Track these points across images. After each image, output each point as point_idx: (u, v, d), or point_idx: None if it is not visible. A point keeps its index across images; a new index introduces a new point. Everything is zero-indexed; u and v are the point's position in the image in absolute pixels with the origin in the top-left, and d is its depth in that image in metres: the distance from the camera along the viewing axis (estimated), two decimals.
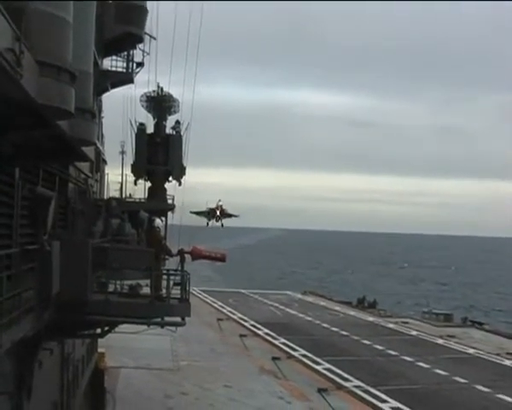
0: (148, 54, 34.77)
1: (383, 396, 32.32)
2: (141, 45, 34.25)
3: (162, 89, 37.37)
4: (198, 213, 46.66)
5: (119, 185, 35.79)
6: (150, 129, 37.36)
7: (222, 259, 23.48)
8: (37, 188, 15.60)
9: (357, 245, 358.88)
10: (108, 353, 33.14)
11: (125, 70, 34.54)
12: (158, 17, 34.33)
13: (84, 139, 19.26)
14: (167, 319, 18.58)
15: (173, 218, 36.29)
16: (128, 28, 31.78)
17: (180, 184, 36.68)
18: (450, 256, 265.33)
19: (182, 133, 37.09)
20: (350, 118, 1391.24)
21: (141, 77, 35.81)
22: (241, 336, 47.28)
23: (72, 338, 21.99)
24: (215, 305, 64.43)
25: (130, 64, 34.68)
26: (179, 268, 19.50)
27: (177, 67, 37.61)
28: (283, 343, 45.28)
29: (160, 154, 36.60)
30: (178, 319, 18.77)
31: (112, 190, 34.48)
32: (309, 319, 58.49)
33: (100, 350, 32.15)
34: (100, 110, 32.47)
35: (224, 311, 60.66)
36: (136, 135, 36.56)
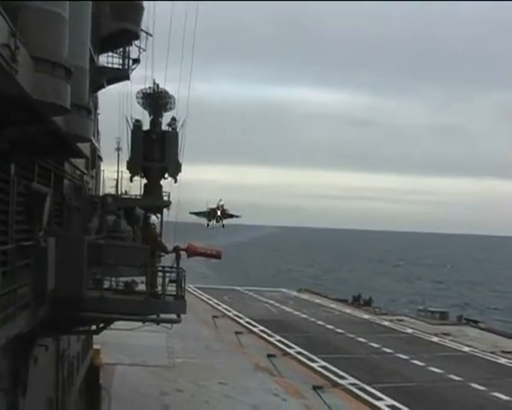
0: (145, 50, 34.72)
1: (378, 394, 32.38)
2: (137, 42, 34.20)
3: (158, 85, 37.34)
4: (198, 214, 46.46)
5: (115, 182, 35.77)
6: (146, 126, 37.35)
7: (217, 256, 23.38)
8: (33, 184, 15.54)
9: (353, 243, 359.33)
10: (104, 349, 33.12)
11: (120, 66, 34.47)
12: (154, 14, 34.33)
13: (80, 135, 19.18)
14: (163, 316, 18.55)
15: (169, 215, 36.31)
16: (124, 25, 31.72)
17: (176, 181, 36.69)
18: (447, 254, 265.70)
19: (178, 130, 37.08)
20: (349, 116, 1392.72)
21: (137, 73, 35.78)
22: (237, 333, 47.31)
23: (68, 335, 21.95)
24: (210, 302, 64.41)
25: (126, 61, 34.61)
26: (175, 265, 19.47)
27: (173, 63, 37.59)
28: (278, 341, 45.31)
29: (155, 150, 36.58)
30: (174, 316, 18.75)
31: (107, 187, 34.42)
32: (304, 316, 58.53)
33: (95, 347, 32.13)
34: (96, 107, 32.38)
35: (220, 308, 60.68)
36: (132, 132, 36.54)
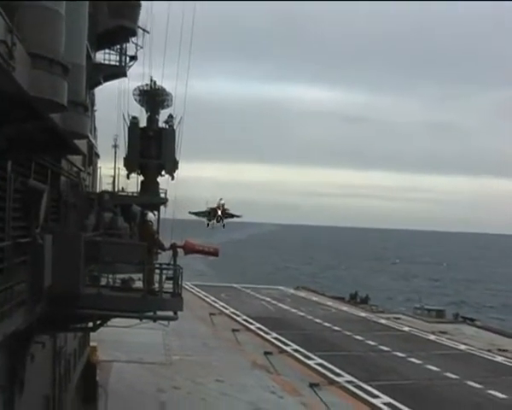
0: (142, 47, 34.72)
1: (375, 392, 32.38)
2: (134, 39, 34.18)
3: (155, 82, 37.36)
4: (197, 214, 46.11)
5: (112, 179, 35.72)
6: (143, 123, 37.35)
7: (214, 253, 23.41)
8: (30, 181, 15.53)
9: (350, 241, 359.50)
10: (100, 347, 33.11)
11: (118, 63, 34.43)
12: (151, 11, 34.31)
13: (77, 132, 19.17)
14: (160, 313, 18.56)
15: (166, 212, 36.30)
16: (121, 21, 31.72)
17: (173, 178, 36.70)
18: (443, 252, 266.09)
19: (175, 127, 37.10)
20: (345, 114, 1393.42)
21: (134, 70, 35.75)
22: (234, 330, 47.28)
23: (65, 332, 21.94)
24: (207, 299, 64.37)
25: (124, 57, 34.58)
26: (172, 262, 19.47)
27: (171, 60, 37.61)
28: (275, 338, 45.30)
29: (152, 148, 36.60)
30: (171, 314, 18.75)
31: (104, 184, 34.40)
32: (301, 314, 58.52)
33: (92, 344, 32.10)
34: (93, 103, 32.37)
35: (217, 305, 60.64)
36: (129, 129, 36.54)
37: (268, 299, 67.85)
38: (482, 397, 32.77)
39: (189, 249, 21.73)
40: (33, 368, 16.26)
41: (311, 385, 32.89)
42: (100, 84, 33.18)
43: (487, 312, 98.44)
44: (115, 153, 36.82)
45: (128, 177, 36.42)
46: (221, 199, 45.16)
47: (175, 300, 18.68)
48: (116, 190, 34.62)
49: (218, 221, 45.05)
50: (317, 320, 54.69)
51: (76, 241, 16.38)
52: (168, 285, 18.82)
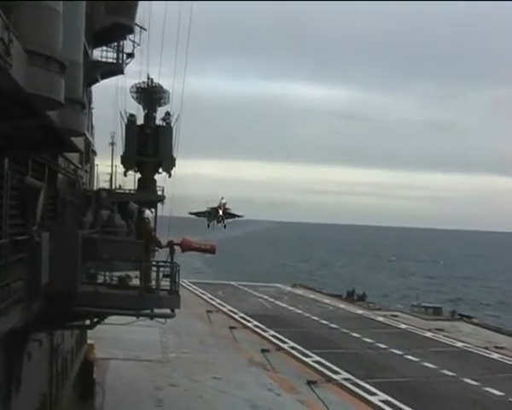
0: (139, 45, 34.69)
1: (372, 389, 32.43)
2: (131, 36, 34.12)
3: (152, 80, 37.34)
4: (198, 214, 45.80)
5: (109, 176, 35.73)
6: (140, 120, 37.32)
7: (212, 251, 23.36)
8: (27, 178, 15.49)
9: (346, 238, 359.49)
10: (98, 344, 33.06)
11: (115, 61, 34.37)
12: (149, 9, 34.25)
13: (74, 130, 19.14)
14: (157, 310, 18.56)
15: (163, 209, 36.29)
16: (118, 19, 31.62)
17: (170, 176, 36.71)
18: (440, 250, 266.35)
19: (172, 125, 37.07)
20: (343, 112, 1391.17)
21: (131, 68, 35.72)
22: (231, 328, 47.31)
23: (62, 329, 21.94)
24: (204, 297, 64.41)
25: (121, 55, 34.52)
26: (169, 260, 19.45)
27: (168, 58, 37.60)
28: (273, 336, 45.35)
29: (149, 145, 36.60)
30: (168, 311, 18.74)
31: (101, 181, 34.41)
32: (298, 311, 58.60)
33: (89, 342, 32.11)
34: (90, 101, 32.30)
35: (214, 303, 60.69)
36: (126, 126, 36.54)
37: (265, 296, 67.91)
38: (479, 394, 32.83)
39: (186, 247, 21.70)
40: (30, 366, 16.24)
41: (309, 383, 32.92)
42: (97, 81, 33.13)
43: (484, 309, 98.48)
44: (112, 150, 36.87)
45: (125, 174, 36.43)
46: (222, 198, 44.70)
47: (172, 297, 18.67)
48: (113, 187, 34.61)
49: (219, 222, 44.44)
50: (315, 318, 54.76)
51: (73, 238, 16.36)
52: (165, 283, 18.81)
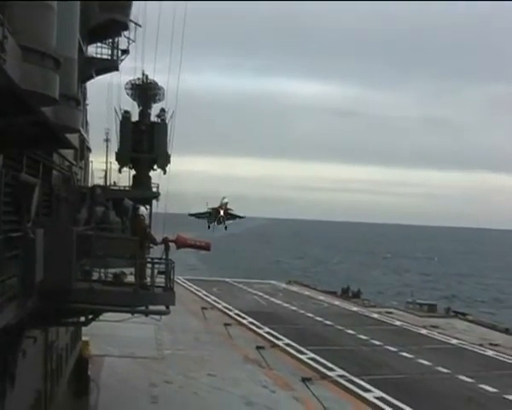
0: (134, 41, 34.61)
1: (367, 386, 32.46)
2: (126, 33, 34.05)
3: (147, 76, 37.30)
4: (198, 215, 45.49)
5: (104, 173, 35.66)
6: (135, 117, 37.28)
7: (206, 248, 23.36)
8: (21, 175, 15.45)
9: (341, 235, 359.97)
10: (92, 341, 33.04)
11: (109, 57, 34.30)
12: (144, 5, 34.21)
13: (69, 126, 19.09)
14: (151, 307, 18.56)
15: (158, 206, 36.27)
16: (113, 15, 31.55)
17: (165, 173, 36.69)
18: (435, 247, 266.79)
19: (167, 121, 37.05)
20: (338, 108, 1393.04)
21: (126, 64, 35.64)
22: (226, 324, 47.33)
23: (56, 326, 21.91)
24: (199, 294, 64.37)
25: (115, 51, 34.44)
26: (164, 257, 19.45)
27: (163, 55, 37.54)
28: (268, 332, 45.36)
29: (144, 142, 36.58)
30: (163, 308, 18.76)
31: (96, 178, 34.34)
32: (293, 308, 58.61)
33: (84, 338, 32.08)
34: (84, 97, 32.23)
35: (209, 300, 60.66)
36: (121, 123, 36.50)
37: (260, 293, 67.91)
38: (473, 391, 32.88)
39: (181, 244, 21.70)
40: (25, 363, 16.22)
41: (304, 380, 32.94)
42: (92, 77, 33.06)
43: (479, 306, 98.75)
44: (107, 147, 36.80)
45: (120, 171, 36.40)
46: (224, 198, 44.28)
47: (167, 294, 18.67)
48: (108, 184, 34.56)
49: (219, 223, 44.03)
50: (309, 315, 54.78)
51: (68, 235, 16.34)
52: (160, 279, 18.80)
